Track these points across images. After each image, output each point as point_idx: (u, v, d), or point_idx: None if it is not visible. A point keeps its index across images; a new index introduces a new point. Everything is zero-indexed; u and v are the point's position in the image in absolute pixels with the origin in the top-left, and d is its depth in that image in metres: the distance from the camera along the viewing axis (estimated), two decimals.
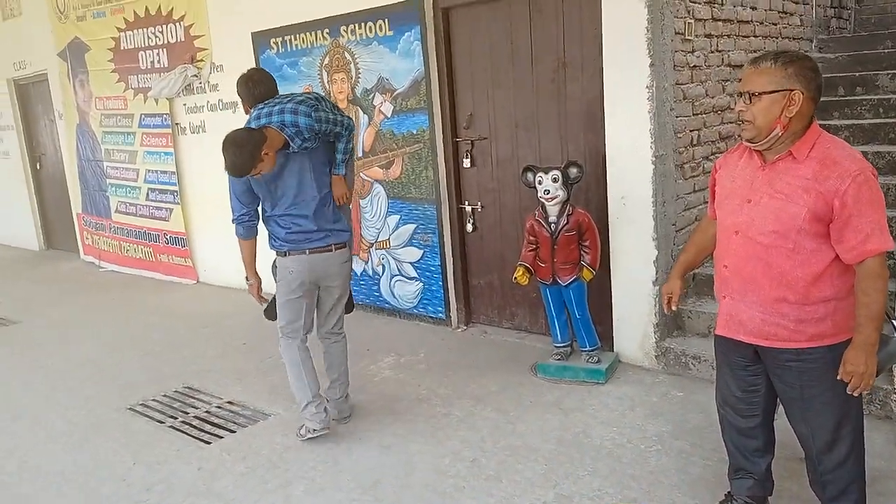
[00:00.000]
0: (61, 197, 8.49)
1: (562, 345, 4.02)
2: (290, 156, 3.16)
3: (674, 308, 2.48)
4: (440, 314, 4.92)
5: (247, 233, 3.33)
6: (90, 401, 4.10)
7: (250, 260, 3.40)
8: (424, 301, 4.98)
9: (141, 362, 4.69)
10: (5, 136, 9.11)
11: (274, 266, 3.37)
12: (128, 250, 7.47)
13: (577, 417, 3.43)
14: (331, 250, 3.28)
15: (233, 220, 3.32)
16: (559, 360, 3.99)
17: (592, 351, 3.93)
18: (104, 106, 7.22)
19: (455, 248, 4.78)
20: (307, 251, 3.23)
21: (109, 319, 5.84)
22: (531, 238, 3.90)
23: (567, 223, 3.76)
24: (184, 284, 6.86)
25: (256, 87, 3.36)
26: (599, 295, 3.99)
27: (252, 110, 3.25)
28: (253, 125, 3.10)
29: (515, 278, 3.91)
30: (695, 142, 4.12)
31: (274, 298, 3.41)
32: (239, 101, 3.54)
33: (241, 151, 2.94)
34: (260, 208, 3.31)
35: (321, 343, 3.50)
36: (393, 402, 3.78)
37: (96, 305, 6.35)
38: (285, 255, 3.25)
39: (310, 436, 3.34)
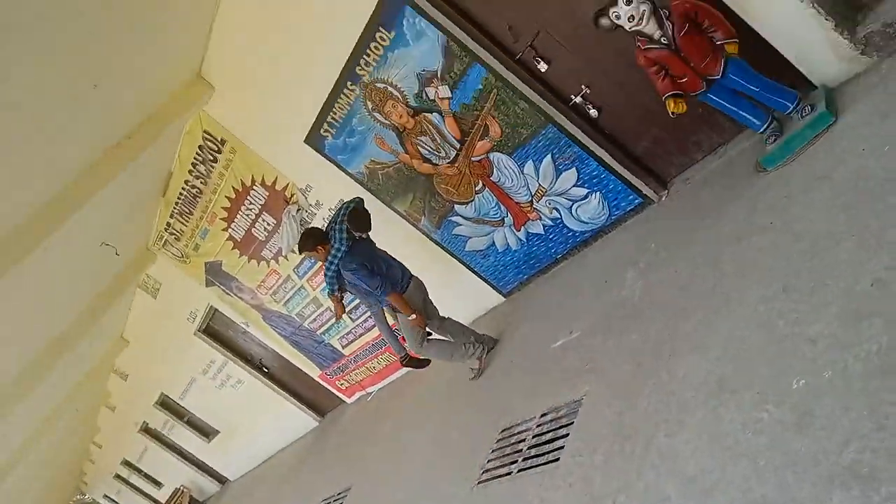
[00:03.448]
0: (297, 374, 9.23)
1: (766, 125, 3.53)
2: None
3: None
4: (636, 201, 4.58)
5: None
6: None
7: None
8: (613, 203, 4.67)
9: (451, 444, 4.81)
10: (230, 369, 10.13)
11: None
12: (373, 367, 7.92)
13: (842, 172, 2.95)
14: None
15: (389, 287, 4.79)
16: (775, 140, 3.51)
17: (798, 106, 3.41)
18: (266, 288, 7.77)
19: (597, 138, 4.45)
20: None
21: (407, 432, 6.14)
22: (653, 68, 3.49)
23: (674, 26, 3.33)
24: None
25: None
26: (755, 51, 3.45)
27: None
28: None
29: (672, 112, 3.52)
30: None
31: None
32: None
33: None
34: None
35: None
36: (659, 299, 3.52)
37: (396, 429, 6.71)
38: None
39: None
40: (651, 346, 3.36)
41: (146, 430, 14.33)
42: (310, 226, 5.75)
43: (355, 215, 4.93)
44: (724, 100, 3.51)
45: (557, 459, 3.37)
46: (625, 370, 3.41)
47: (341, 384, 8.77)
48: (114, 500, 20.65)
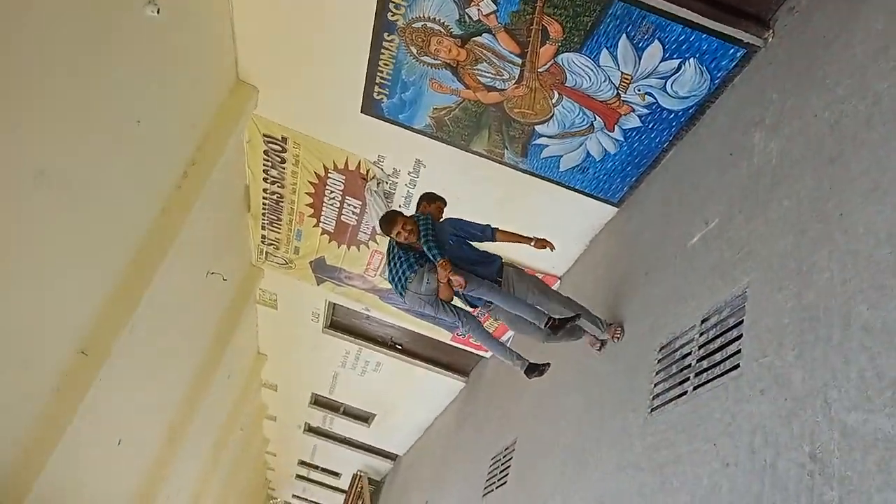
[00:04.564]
0: (430, 342, 9.15)
1: None
2: None
3: None
4: (738, 53, 3.95)
5: None
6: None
7: None
8: (712, 64, 4.06)
9: (607, 374, 4.46)
10: (366, 355, 10.23)
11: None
12: None
13: None
14: None
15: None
16: None
17: None
18: (373, 269, 7.64)
19: None
20: None
21: (557, 373, 5.85)
22: None
23: None
24: None
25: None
26: None
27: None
28: None
29: None
30: None
31: None
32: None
33: None
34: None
35: None
36: (803, 154, 2.96)
37: None
38: None
39: None
40: (811, 209, 2.83)
41: (310, 429, 14.99)
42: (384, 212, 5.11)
43: (423, 197, 4.72)
44: None
45: (737, 366, 2.94)
46: (787, 245, 2.91)
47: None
48: (302, 498, 22.02)
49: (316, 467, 17.93)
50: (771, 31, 3.83)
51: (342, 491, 18.09)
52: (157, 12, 3.69)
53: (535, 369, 4.54)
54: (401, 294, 4.46)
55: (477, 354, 8.97)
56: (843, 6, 3.18)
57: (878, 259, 2.35)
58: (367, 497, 14.05)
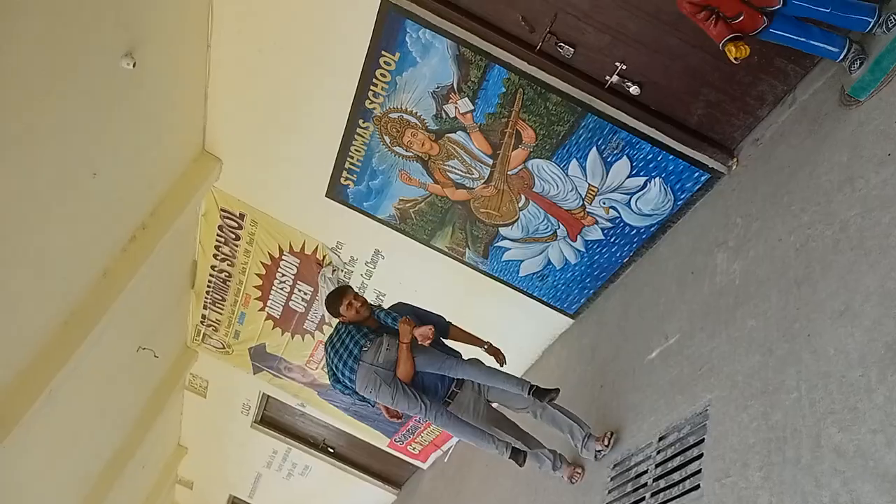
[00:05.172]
0: (365, 448, 8.68)
1: (845, 51, 3.04)
2: None
3: None
4: (702, 177, 4.07)
5: None
6: None
7: None
8: (676, 185, 4.16)
9: (555, 490, 4.22)
10: (294, 457, 9.62)
11: None
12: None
13: None
14: None
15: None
16: (860, 63, 3.01)
17: (880, 19, 2.92)
18: (315, 362, 7.31)
19: (644, 117, 3.97)
20: None
21: (499, 486, 5.54)
22: (701, 14, 3.02)
23: None
24: None
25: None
26: None
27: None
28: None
29: (736, 59, 3.04)
30: None
31: None
32: None
33: None
34: None
35: None
36: (768, 275, 2.97)
37: (484, 485, 6.12)
38: None
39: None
40: (778, 329, 2.80)
41: None
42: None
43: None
44: (790, 32, 3.03)
45: (698, 487, 2.78)
46: (752, 364, 2.84)
47: (413, 449, 8.18)
48: None
49: None
50: (735, 159, 3.97)
51: None
52: (133, 66, 3.62)
53: (520, 453, 3.91)
54: (349, 373, 3.91)
55: (412, 465, 8.51)
56: (807, 141, 3.32)
57: (849, 381, 2.29)
58: None
